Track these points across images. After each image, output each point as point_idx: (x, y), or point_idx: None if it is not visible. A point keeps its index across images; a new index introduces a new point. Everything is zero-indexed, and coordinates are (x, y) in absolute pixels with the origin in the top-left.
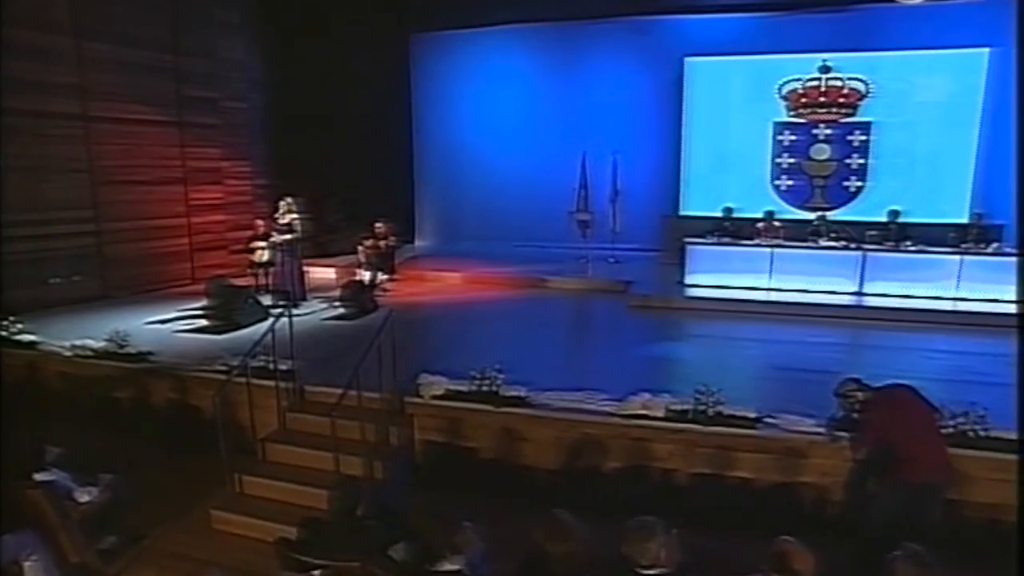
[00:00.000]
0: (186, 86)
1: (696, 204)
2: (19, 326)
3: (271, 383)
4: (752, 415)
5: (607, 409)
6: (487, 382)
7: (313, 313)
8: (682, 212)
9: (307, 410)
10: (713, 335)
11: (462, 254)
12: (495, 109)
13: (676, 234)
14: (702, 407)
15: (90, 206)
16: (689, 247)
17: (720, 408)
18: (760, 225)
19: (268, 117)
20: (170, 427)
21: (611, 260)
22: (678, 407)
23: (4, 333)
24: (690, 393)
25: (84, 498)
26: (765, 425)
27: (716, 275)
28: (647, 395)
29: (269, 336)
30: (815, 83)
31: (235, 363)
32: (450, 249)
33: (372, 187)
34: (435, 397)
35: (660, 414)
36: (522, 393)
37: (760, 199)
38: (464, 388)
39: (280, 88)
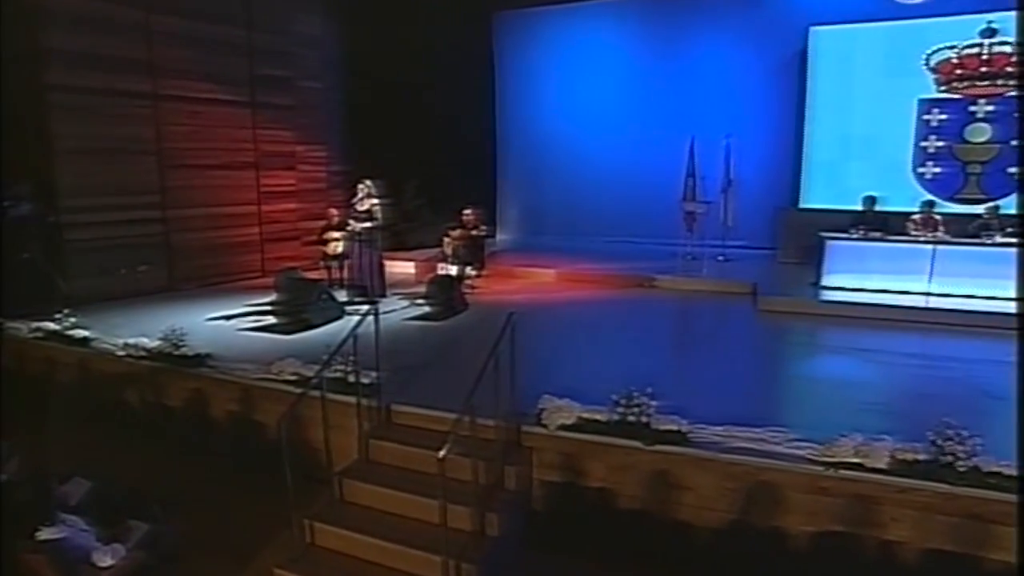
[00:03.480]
0: (259, 64)
1: (819, 195)
2: (72, 320)
3: (351, 399)
4: (1014, 473)
5: (797, 452)
6: (634, 410)
7: (393, 312)
8: (802, 205)
9: (395, 437)
10: (877, 348)
11: (549, 249)
12: (586, 92)
13: (795, 229)
14: (947, 457)
15: (157, 191)
16: (829, 243)
17: (973, 461)
18: (917, 218)
19: (344, 98)
20: (227, 448)
21: (719, 258)
22: (909, 456)
23: (57, 327)
24: (889, 429)
25: (106, 561)
26: None
27: (859, 276)
28: (859, 436)
29: (349, 341)
30: (975, 50)
31: (304, 370)
32: (534, 243)
33: (453, 174)
34: (564, 427)
35: (882, 464)
36: (682, 427)
37: (899, 189)
38: (602, 417)
39: (357, 68)
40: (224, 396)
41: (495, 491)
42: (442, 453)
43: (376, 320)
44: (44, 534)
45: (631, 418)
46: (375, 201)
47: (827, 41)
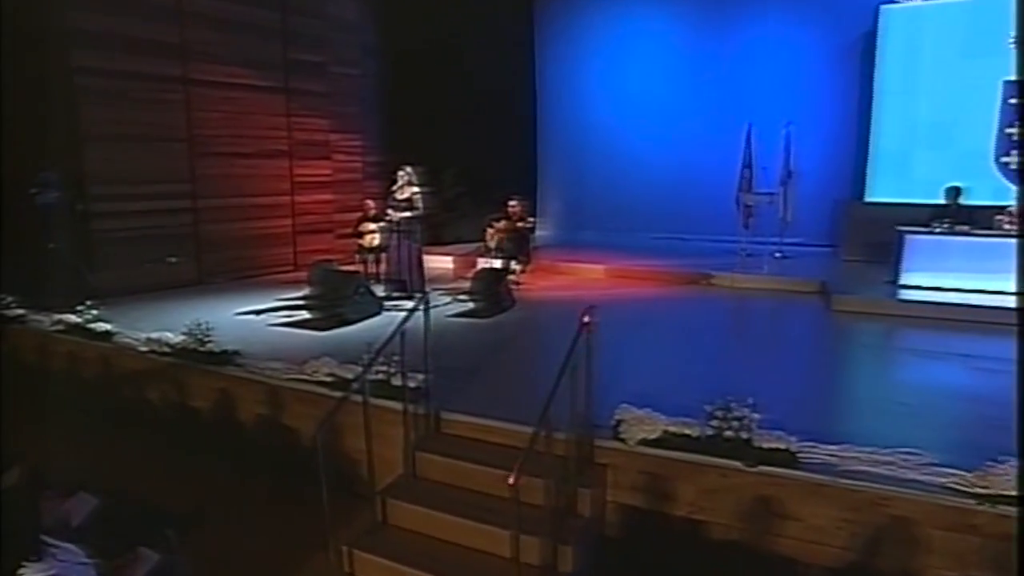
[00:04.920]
0: (293, 48)
1: (887, 188)
2: (94, 312)
3: (396, 405)
4: None
5: (937, 480)
6: (731, 423)
7: (434, 308)
8: (868, 198)
9: (445, 449)
10: (977, 354)
11: (592, 244)
12: (631, 78)
13: (860, 224)
14: None
15: (187, 180)
16: (908, 238)
17: None
18: (1012, 210)
19: (380, 86)
20: (254, 456)
21: (776, 255)
22: None
23: (79, 319)
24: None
25: None
26: None
27: (940, 274)
28: (1013, 462)
29: (394, 339)
30: None
31: (340, 370)
32: (574, 238)
33: (493, 164)
34: (645, 443)
35: None
36: (791, 445)
37: (978, 180)
38: (692, 431)
39: (393, 54)
40: (252, 397)
41: (567, 518)
42: (513, 478)
43: (426, 315)
44: (28, 572)
45: (728, 433)
46: (416, 189)
47: (899, 20)
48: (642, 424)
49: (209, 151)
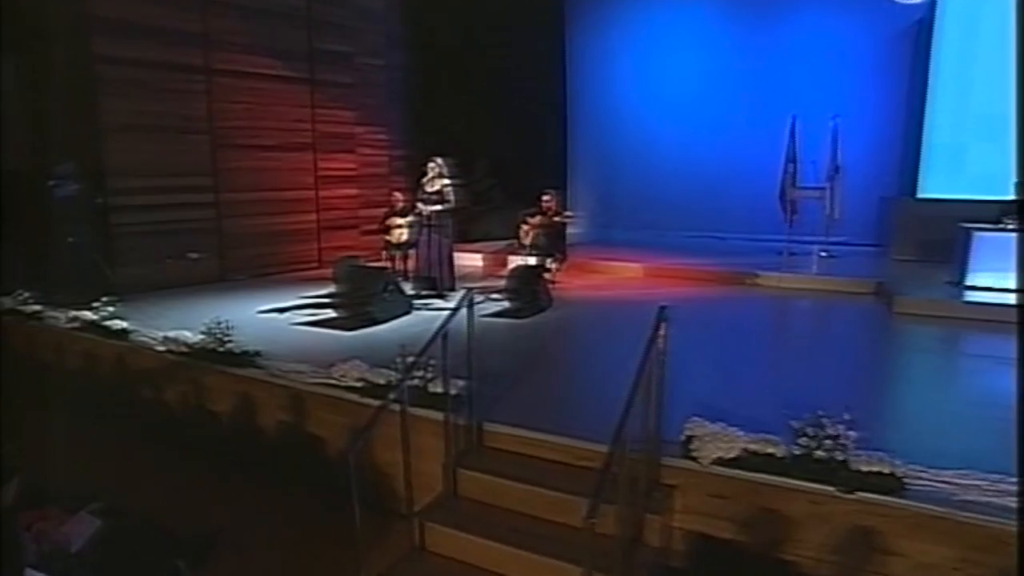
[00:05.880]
0: (319, 38)
1: (942, 183)
2: (110, 309)
3: (435, 415)
4: None
5: None
6: (824, 442)
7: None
8: (921, 194)
9: (489, 466)
10: None
11: (624, 242)
12: (665, 70)
13: (913, 221)
14: None
15: (209, 173)
16: (976, 235)
17: None
18: None
19: (407, 78)
20: (276, 467)
21: (822, 254)
22: None
23: (95, 316)
24: None
25: None
26: None
27: (1010, 275)
28: None
29: (430, 342)
30: None
31: (371, 374)
32: (605, 236)
33: (522, 159)
34: (721, 462)
35: None
36: (896, 469)
37: None
38: (775, 450)
39: (420, 45)
40: (274, 402)
41: (634, 548)
42: (586, 512)
43: (470, 314)
44: None
45: (820, 453)
46: (447, 181)
47: (955, 6)
48: (717, 441)
49: (231, 143)
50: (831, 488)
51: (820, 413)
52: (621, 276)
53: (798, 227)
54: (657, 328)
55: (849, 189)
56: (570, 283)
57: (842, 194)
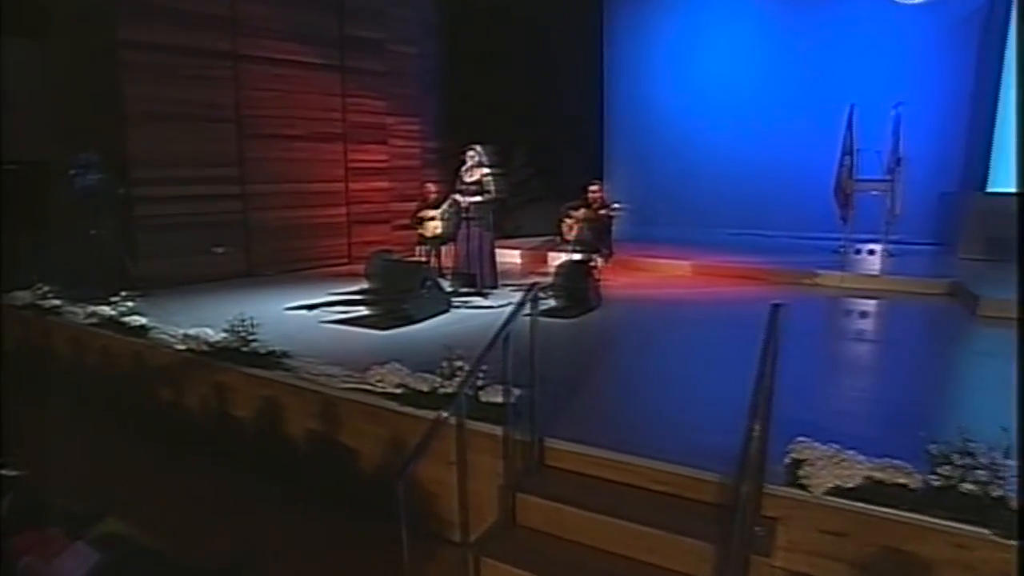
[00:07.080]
0: (350, 24)
1: (1009, 177)
2: (129, 304)
3: (493, 429)
4: None
5: None
6: (974, 472)
7: (508, 306)
8: (991, 188)
9: (553, 491)
10: None
11: (667, 239)
12: (707, 59)
13: (983, 217)
14: None
15: (235, 163)
16: None
17: None
18: None
19: (440, 67)
20: (305, 482)
21: (885, 252)
22: None
23: (113, 312)
24: None
25: None
26: None
27: None
28: None
29: (491, 345)
30: None
31: (412, 379)
32: (645, 233)
33: (561, 151)
34: (839, 491)
35: None
36: None
37: None
38: (907, 480)
39: (454, 33)
40: (303, 409)
41: None
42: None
43: (533, 310)
44: None
45: (967, 486)
46: (486, 170)
47: None
48: (833, 466)
49: (259, 133)
50: (985, 530)
51: (967, 438)
52: (668, 274)
53: (852, 224)
54: (770, 331)
55: (908, 183)
56: (615, 280)
57: (903, 188)
